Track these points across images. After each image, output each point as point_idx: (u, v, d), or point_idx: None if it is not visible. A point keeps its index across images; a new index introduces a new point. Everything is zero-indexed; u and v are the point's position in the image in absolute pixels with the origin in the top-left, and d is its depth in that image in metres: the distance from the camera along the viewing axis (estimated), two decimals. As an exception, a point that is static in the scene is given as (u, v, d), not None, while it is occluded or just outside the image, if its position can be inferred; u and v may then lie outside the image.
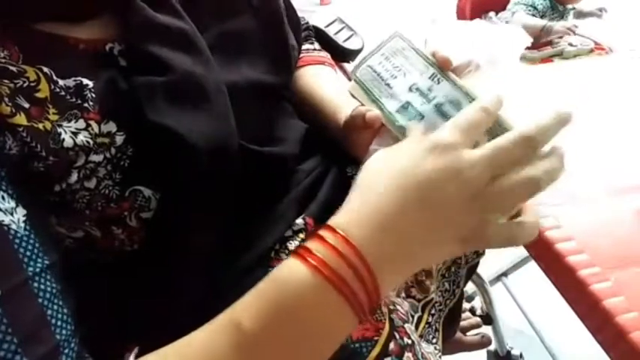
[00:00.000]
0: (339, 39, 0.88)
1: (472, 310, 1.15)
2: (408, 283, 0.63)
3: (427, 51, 0.47)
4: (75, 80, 0.38)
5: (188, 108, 0.41)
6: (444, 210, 0.32)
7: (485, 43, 0.53)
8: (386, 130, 0.45)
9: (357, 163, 0.62)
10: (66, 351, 0.33)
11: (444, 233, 0.33)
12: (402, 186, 0.33)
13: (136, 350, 0.34)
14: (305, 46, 0.69)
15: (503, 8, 2.34)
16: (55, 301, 0.33)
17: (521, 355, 1.15)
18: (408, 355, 0.49)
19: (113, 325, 0.42)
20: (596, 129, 0.79)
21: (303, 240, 0.49)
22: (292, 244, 0.49)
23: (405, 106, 0.45)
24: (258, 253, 0.47)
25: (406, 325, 0.53)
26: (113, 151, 0.39)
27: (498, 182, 0.33)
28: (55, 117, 0.37)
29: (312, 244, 0.32)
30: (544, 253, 0.61)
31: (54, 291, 0.33)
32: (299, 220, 0.51)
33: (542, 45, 2.13)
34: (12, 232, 0.32)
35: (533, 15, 2.27)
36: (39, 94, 0.36)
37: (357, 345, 0.47)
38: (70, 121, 0.37)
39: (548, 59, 2.02)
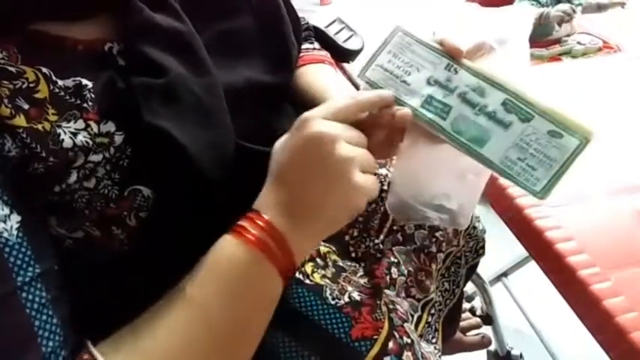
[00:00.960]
0: (339, 39, 0.88)
1: (472, 310, 1.15)
2: (408, 283, 0.63)
3: (434, 41, 0.46)
4: (74, 80, 0.38)
5: (183, 110, 0.41)
6: (325, 181, 0.39)
7: (491, 24, 0.53)
8: (413, 126, 0.45)
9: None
10: None
11: (330, 196, 0.40)
12: (292, 157, 0.40)
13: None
14: (305, 46, 0.69)
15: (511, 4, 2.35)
16: (45, 311, 0.33)
17: (521, 355, 1.15)
18: (407, 354, 0.49)
19: (112, 325, 0.42)
20: (596, 129, 0.79)
21: None
22: None
23: (429, 100, 0.44)
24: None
25: (405, 325, 0.53)
26: (112, 150, 0.39)
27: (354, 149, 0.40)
28: (55, 117, 0.37)
29: (246, 224, 0.39)
30: (544, 253, 0.61)
31: (43, 301, 0.33)
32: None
33: (550, 43, 2.13)
34: (3, 240, 0.32)
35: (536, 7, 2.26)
36: (38, 95, 0.36)
37: (356, 344, 0.47)
38: (69, 121, 0.37)
39: (556, 57, 2.02)
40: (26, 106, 0.36)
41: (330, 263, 0.55)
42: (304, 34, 0.70)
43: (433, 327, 0.65)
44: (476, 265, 0.80)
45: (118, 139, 0.39)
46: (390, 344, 0.48)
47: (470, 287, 1.17)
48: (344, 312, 0.49)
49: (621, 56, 1.10)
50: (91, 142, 0.37)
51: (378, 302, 0.52)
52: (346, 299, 0.50)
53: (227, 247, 0.39)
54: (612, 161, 0.74)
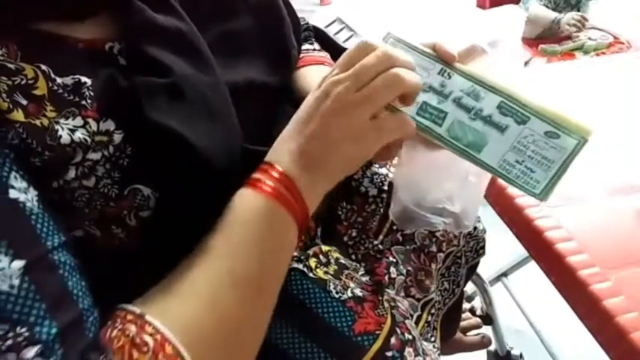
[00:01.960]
0: (339, 39, 0.88)
1: (472, 310, 1.15)
2: (408, 283, 0.63)
3: (425, 46, 0.46)
4: (73, 78, 0.38)
5: (189, 108, 0.41)
6: (337, 125, 0.41)
7: (482, 26, 0.53)
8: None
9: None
10: (90, 319, 0.34)
11: (342, 140, 0.41)
12: (309, 125, 0.42)
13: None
14: (305, 47, 0.69)
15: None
16: (74, 273, 0.35)
17: (521, 355, 1.15)
18: (409, 350, 0.49)
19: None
20: (597, 129, 0.79)
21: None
22: None
23: (424, 107, 0.44)
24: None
25: (407, 321, 0.53)
26: (111, 149, 0.39)
27: (365, 89, 0.41)
28: (53, 114, 0.37)
29: (261, 176, 0.41)
30: (544, 254, 0.61)
31: (72, 264, 0.35)
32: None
33: (562, 39, 2.13)
34: (27, 209, 0.33)
35: (546, 6, 2.23)
36: (37, 92, 0.36)
37: (358, 338, 0.47)
38: (67, 118, 0.37)
39: (569, 53, 2.02)
40: (24, 102, 0.36)
41: (332, 260, 0.55)
42: (304, 34, 0.70)
43: (432, 326, 0.65)
44: (476, 265, 0.80)
45: (117, 137, 0.39)
46: (392, 340, 0.48)
47: (470, 287, 1.17)
48: (347, 306, 0.49)
49: (630, 55, 1.10)
50: (89, 140, 0.37)
51: (380, 298, 0.52)
52: (349, 294, 0.50)
53: (246, 199, 0.40)
54: (612, 161, 0.74)
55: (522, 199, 0.66)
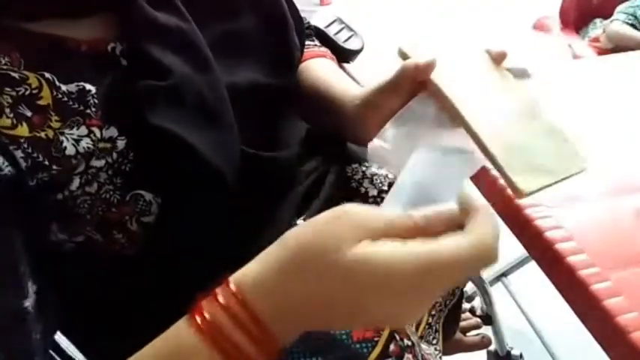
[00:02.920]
0: (339, 39, 0.88)
1: (472, 310, 1.15)
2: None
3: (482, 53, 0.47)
4: (78, 85, 0.38)
5: (188, 112, 0.41)
6: (345, 308, 0.29)
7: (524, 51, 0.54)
8: (407, 109, 0.45)
9: (357, 162, 0.61)
10: None
11: (340, 320, 0.31)
12: (302, 278, 0.29)
13: None
14: (305, 42, 0.69)
15: (610, 15, 2.26)
16: None
17: (521, 355, 1.15)
18: (408, 356, 0.49)
19: (113, 329, 0.42)
20: (597, 129, 0.79)
21: None
22: None
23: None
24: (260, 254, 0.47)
25: (406, 327, 0.53)
26: (115, 155, 0.38)
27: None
28: (58, 124, 0.36)
29: (206, 305, 0.30)
30: (544, 253, 0.61)
31: None
32: (300, 221, 0.51)
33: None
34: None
35: (633, 24, 2.18)
36: (41, 102, 0.36)
37: (357, 345, 0.47)
38: (72, 128, 0.37)
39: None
40: (29, 114, 0.35)
41: None
42: (305, 32, 0.70)
43: (434, 328, 0.65)
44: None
45: (121, 144, 0.39)
46: (391, 346, 0.48)
47: (470, 287, 1.17)
48: None
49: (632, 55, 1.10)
50: (93, 148, 0.37)
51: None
52: None
53: (176, 327, 0.32)
54: (612, 161, 0.74)
55: (522, 199, 0.66)
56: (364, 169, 0.67)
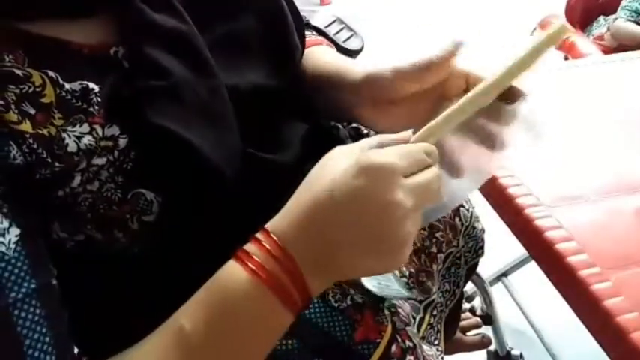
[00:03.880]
0: (339, 39, 0.88)
1: (472, 310, 1.15)
2: (410, 284, 0.63)
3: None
4: (81, 84, 0.38)
5: (188, 112, 0.41)
6: (370, 229, 0.35)
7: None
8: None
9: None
10: None
11: (369, 249, 0.35)
12: (335, 198, 0.35)
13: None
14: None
15: (614, 12, 2.26)
16: (38, 328, 0.33)
17: (521, 355, 1.15)
18: (409, 357, 0.49)
19: (113, 328, 0.42)
20: (597, 129, 0.79)
21: None
22: None
23: None
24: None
25: (408, 328, 0.53)
26: (116, 154, 0.39)
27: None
28: (60, 122, 0.37)
29: (251, 247, 0.35)
30: (544, 253, 0.61)
31: (37, 318, 0.33)
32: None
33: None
34: None
35: (636, 22, 2.16)
36: (44, 99, 0.36)
37: (359, 347, 0.47)
38: (74, 125, 0.37)
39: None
40: (32, 111, 0.35)
41: None
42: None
43: (435, 328, 0.65)
44: (475, 265, 0.80)
45: (122, 142, 0.39)
46: (393, 348, 0.48)
47: (470, 287, 1.17)
48: (347, 315, 0.49)
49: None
50: (94, 145, 0.37)
51: (381, 305, 0.51)
52: (349, 302, 0.50)
53: (226, 272, 0.36)
54: (612, 161, 0.74)
55: (522, 199, 0.66)
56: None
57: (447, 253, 0.70)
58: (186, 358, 0.34)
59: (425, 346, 0.56)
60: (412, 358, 0.49)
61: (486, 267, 1.16)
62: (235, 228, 0.41)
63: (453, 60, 0.45)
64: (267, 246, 0.35)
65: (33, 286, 0.33)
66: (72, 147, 0.36)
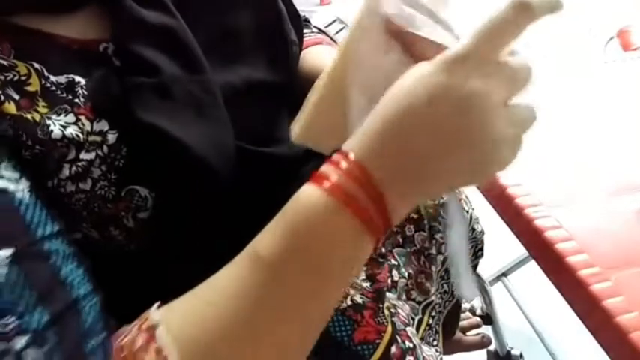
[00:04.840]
0: (339, 39, 0.88)
1: (472, 310, 1.15)
2: (409, 286, 0.63)
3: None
4: (67, 77, 0.38)
5: (177, 107, 0.41)
6: (455, 138, 0.31)
7: None
8: None
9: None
10: (87, 306, 0.33)
11: (456, 161, 0.31)
12: (415, 110, 0.31)
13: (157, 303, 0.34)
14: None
15: None
16: (68, 261, 0.34)
17: (521, 355, 1.15)
18: (409, 358, 0.49)
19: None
20: (597, 129, 0.79)
21: None
22: None
23: None
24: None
25: (407, 329, 0.53)
26: (106, 149, 0.38)
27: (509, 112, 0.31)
28: (45, 110, 0.37)
29: (326, 169, 0.32)
30: (544, 253, 0.61)
31: (67, 252, 0.34)
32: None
33: None
34: (17, 199, 0.32)
35: None
36: (29, 88, 0.37)
37: (359, 347, 0.47)
38: (59, 114, 0.37)
39: None
40: (17, 97, 0.36)
41: None
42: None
43: (434, 329, 0.65)
44: (475, 267, 0.80)
45: (112, 138, 0.39)
46: (393, 348, 0.48)
47: (470, 287, 1.17)
48: (347, 315, 0.49)
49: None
50: (82, 137, 0.37)
51: (381, 306, 0.51)
52: (349, 302, 0.50)
53: (302, 196, 0.33)
54: (612, 161, 0.74)
55: (522, 199, 0.66)
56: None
57: (446, 255, 0.70)
58: (265, 286, 0.32)
59: (424, 347, 0.56)
60: (412, 358, 0.49)
61: (486, 267, 1.16)
62: (232, 223, 0.41)
63: None
64: (344, 167, 0.31)
65: (57, 227, 0.34)
66: (57, 134, 0.36)
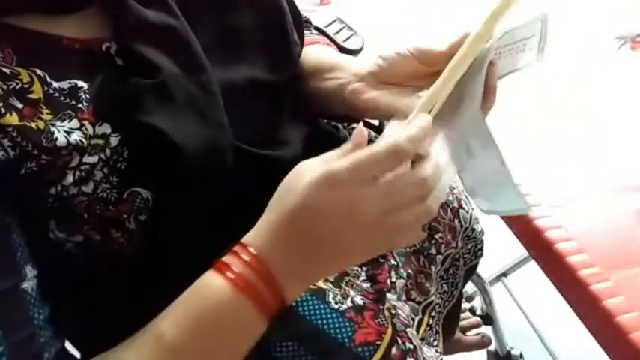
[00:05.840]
0: (339, 39, 0.88)
1: (472, 310, 1.15)
2: (408, 286, 0.63)
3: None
4: (70, 82, 0.38)
5: (176, 108, 0.41)
6: (344, 239, 0.36)
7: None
8: None
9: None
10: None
11: (345, 256, 0.38)
12: (305, 210, 0.36)
13: None
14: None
15: None
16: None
17: (521, 355, 1.15)
18: (410, 359, 0.49)
19: (112, 327, 0.42)
20: (596, 129, 0.79)
21: None
22: None
23: None
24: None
25: (408, 330, 0.52)
26: (108, 152, 0.38)
27: (393, 218, 0.36)
28: (49, 117, 0.36)
29: (229, 259, 0.36)
30: (544, 253, 0.61)
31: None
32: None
33: None
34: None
35: None
36: (32, 95, 0.36)
37: (359, 349, 0.47)
38: (63, 120, 0.37)
39: None
40: (20, 105, 0.35)
41: None
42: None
43: (434, 329, 0.65)
44: (474, 267, 0.80)
45: (114, 140, 0.39)
46: (393, 350, 0.48)
47: (470, 287, 1.17)
48: (347, 316, 0.48)
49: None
50: (85, 142, 0.37)
51: (381, 307, 0.51)
52: (349, 303, 0.50)
53: (206, 282, 0.37)
54: (612, 161, 0.74)
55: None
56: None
57: (446, 255, 0.70)
58: None
59: (424, 348, 0.56)
60: (413, 359, 0.49)
61: (486, 267, 1.15)
62: (231, 225, 0.40)
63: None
64: (245, 258, 0.36)
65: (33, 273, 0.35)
66: (61, 141, 0.36)
